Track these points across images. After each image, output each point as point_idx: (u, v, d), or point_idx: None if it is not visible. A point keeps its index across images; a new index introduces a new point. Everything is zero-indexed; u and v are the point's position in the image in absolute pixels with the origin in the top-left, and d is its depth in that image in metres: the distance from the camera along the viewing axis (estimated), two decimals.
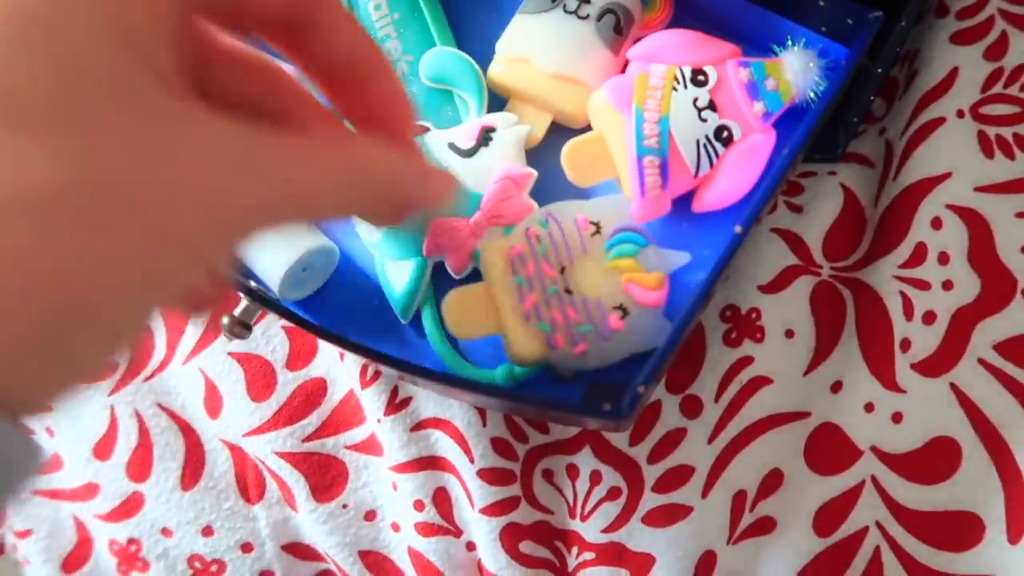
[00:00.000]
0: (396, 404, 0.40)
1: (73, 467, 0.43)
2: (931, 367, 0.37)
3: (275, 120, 0.24)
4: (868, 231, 0.39)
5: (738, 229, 0.32)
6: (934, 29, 0.40)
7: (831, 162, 0.40)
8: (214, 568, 0.42)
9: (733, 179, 0.35)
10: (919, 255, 0.38)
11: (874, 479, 0.36)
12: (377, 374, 0.41)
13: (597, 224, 0.34)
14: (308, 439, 0.41)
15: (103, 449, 0.43)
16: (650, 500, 0.38)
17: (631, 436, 0.39)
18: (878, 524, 0.36)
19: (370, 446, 0.41)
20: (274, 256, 0.37)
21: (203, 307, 0.23)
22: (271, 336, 0.43)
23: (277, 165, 0.20)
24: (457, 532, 0.40)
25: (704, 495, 0.38)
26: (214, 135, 0.19)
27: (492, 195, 0.36)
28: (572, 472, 0.39)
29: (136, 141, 0.18)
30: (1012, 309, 0.36)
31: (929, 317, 0.37)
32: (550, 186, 0.37)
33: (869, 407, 0.37)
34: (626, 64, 0.37)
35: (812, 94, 0.35)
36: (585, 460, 0.39)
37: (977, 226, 0.37)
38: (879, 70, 0.37)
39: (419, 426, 0.40)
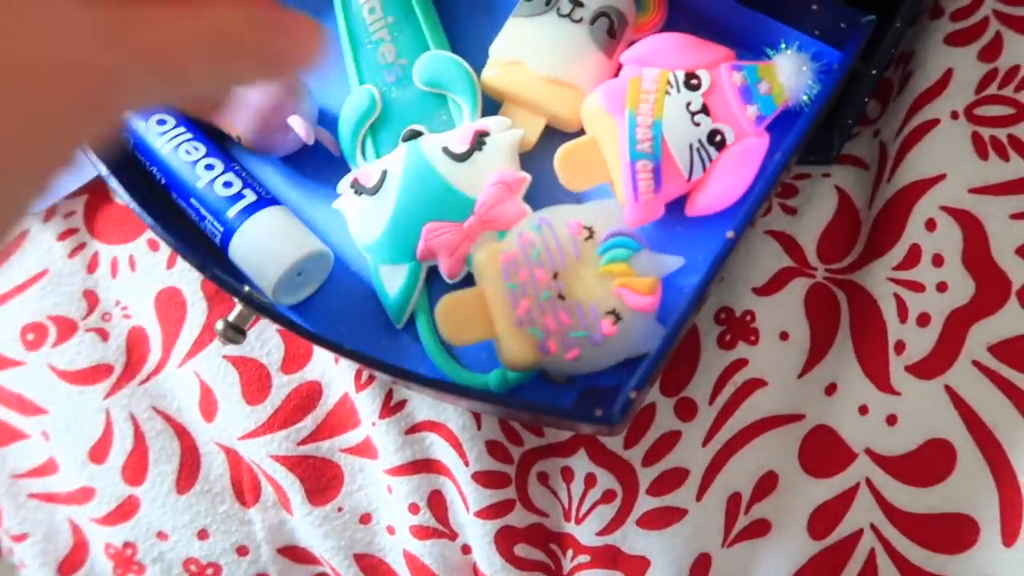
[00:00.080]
0: (391, 407, 0.40)
1: (69, 471, 0.43)
2: (925, 369, 0.37)
3: None
4: (862, 233, 0.39)
5: (730, 235, 0.32)
6: (928, 30, 0.40)
7: (825, 164, 0.40)
8: (210, 571, 0.42)
9: (726, 183, 0.35)
10: (913, 257, 0.38)
11: (869, 481, 0.36)
12: (372, 378, 0.41)
13: (590, 229, 0.34)
14: (303, 442, 0.41)
15: (99, 453, 0.43)
16: (645, 503, 0.38)
17: (626, 439, 0.39)
18: (873, 527, 0.36)
19: (365, 449, 0.41)
20: (269, 261, 0.37)
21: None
22: (266, 339, 0.42)
23: (126, 28, 0.19)
24: (452, 535, 0.40)
25: (699, 498, 0.38)
26: (60, 4, 0.18)
27: (486, 199, 0.36)
28: (567, 475, 0.39)
29: None
30: (1006, 311, 0.36)
31: (923, 319, 0.37)
32: (543, 190, 0.37)
33: (863, 409, 0.37)
34: (619, 68, 0.37)
35: (805, 98, 0.35)
36: (580, 463, 0.39)
37: (971, 228, 0.37)
38: (873, 72, 0.37)
39: (414, 429, 0.40)
